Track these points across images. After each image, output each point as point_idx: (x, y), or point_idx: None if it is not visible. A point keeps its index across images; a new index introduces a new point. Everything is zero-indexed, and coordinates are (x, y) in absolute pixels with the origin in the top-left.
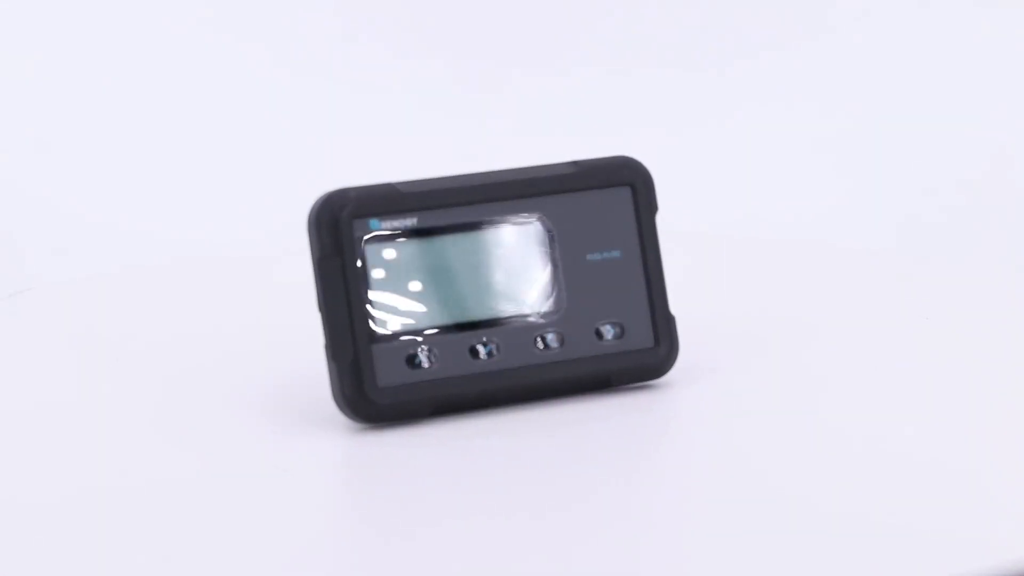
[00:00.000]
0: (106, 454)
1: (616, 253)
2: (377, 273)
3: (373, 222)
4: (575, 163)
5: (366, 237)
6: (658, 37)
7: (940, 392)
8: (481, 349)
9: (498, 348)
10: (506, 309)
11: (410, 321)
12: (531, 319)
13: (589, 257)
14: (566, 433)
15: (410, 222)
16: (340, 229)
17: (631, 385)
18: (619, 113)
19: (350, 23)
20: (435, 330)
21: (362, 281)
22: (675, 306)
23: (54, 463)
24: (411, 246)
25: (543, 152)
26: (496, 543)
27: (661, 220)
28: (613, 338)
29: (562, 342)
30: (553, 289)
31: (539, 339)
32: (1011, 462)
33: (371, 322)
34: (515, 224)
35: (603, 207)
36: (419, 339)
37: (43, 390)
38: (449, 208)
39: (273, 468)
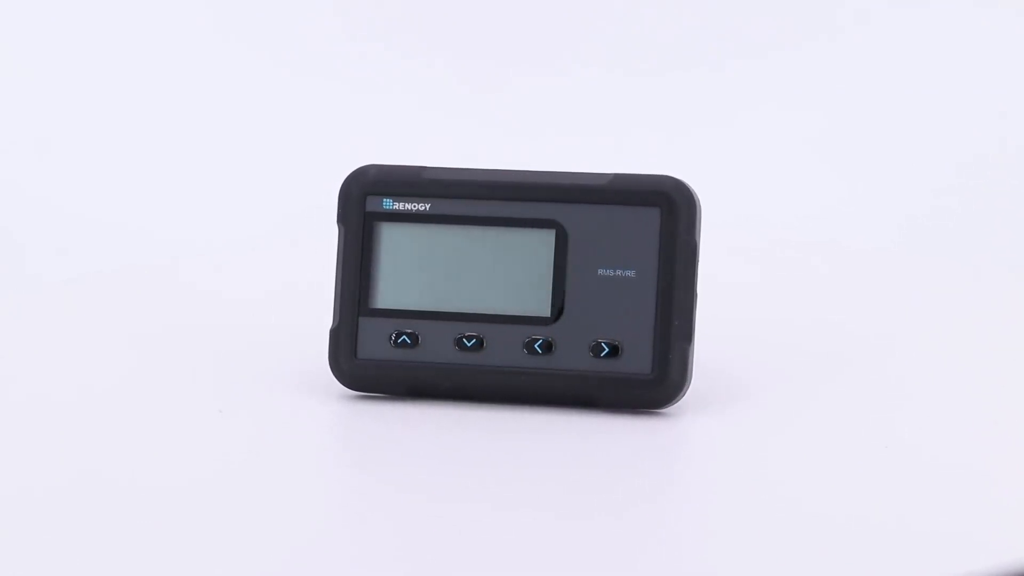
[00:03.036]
0: (108, 445)
1: (630, 272)
2: (380, 250)
3: (387, 201)
4: (615, 176)
5: (376, 214)
6: (659, 37)
7: (971, 402)
8: (466, 341)
9: (484, 343)
10: (500, 307)
11: (402, 301)
12: (524, 322)
13: (601, 271)
14: (534, 440)
15: (423, 207)
16: (352, 202)
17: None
18: (619, 113)
19: (350, 22)
20: (425, 314)
21: (363, 255)
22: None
23: (64, 456)
24: (419, 230)
25: (542, 152)
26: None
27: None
28: (606, 357)
29: (551, 350)
30: (554, 296)
31: (528, 343)
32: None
33: (364, 294)
34: (528, 226)
35: (627, 224)
36: (407, 320)
37: (44, 386)
38: (466, 200)
39: (214, 410)
